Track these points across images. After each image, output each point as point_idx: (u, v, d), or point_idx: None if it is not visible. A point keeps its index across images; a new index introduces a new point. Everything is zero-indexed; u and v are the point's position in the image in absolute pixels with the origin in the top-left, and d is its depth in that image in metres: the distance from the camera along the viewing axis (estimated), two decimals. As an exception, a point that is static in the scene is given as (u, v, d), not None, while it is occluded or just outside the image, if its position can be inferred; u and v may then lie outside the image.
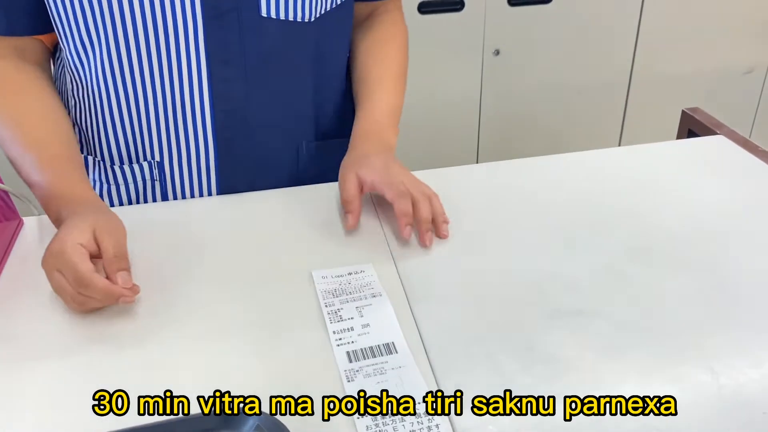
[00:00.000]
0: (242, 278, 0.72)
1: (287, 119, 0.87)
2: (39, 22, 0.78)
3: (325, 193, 0.87)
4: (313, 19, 0.81)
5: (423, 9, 1.88)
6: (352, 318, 0.67)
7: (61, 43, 0.79)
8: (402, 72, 0.93)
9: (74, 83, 0.83)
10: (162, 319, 0.67)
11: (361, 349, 0.64)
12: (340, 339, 0.65)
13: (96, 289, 0.63)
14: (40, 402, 0.58)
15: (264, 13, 0.77)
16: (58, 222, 0.72)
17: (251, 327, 0.66)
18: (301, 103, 0.87)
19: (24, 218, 0.82)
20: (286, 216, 0.83)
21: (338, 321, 0.66)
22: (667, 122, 2.16)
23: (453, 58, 1.96)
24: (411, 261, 0.74)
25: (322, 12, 0.82)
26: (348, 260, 0.74)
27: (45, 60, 0.84)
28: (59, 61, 0.86)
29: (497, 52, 1.97)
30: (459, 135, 2.09)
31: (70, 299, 0.65)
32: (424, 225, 0.76)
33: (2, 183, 0.77)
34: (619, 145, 2.19)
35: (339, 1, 0.84)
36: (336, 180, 0.85)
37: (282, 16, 0.78)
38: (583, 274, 0.72)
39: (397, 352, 0.63)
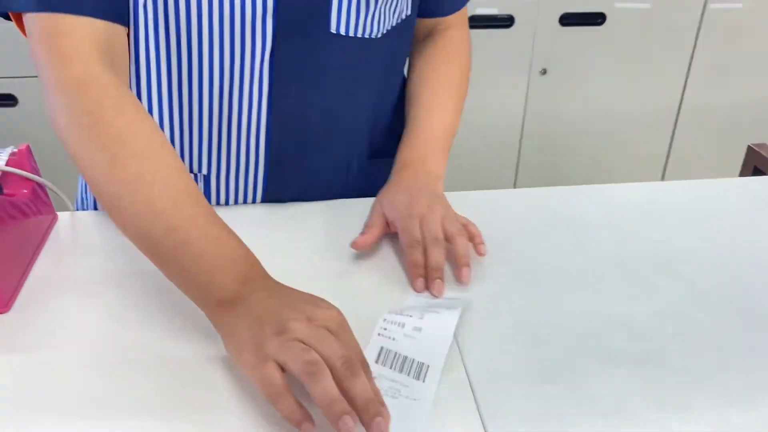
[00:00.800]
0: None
1: (341, 136, 0.84)
2: (124, 9, 0.69)
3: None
4: (379, 36, 0.78)
5: (471, 23, 1.83)
6: (411, 316, 0.64)
7: (130, 39, 0.73)
8: (457, 95, 0.88)
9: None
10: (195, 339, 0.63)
11: (395, 354, 0.60)
12: (385, 330, 0.61)
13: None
14: (68, 394, 0.55)
15: (333, 30, 0.75)
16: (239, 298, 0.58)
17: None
18: (357, 120, 0.84)
19: (58, 213, 0.80)
20: (329, 229, 0.79)
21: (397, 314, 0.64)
22: (717, 155, 2.10)
23: (498, 74, 1.92)
24: (456, 293, 0.70)
25: (389, 28, 0.79)
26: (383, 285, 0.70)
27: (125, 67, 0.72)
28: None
29: (544, 72, 1.92)
30: (498, 153, 2.04)
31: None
32: (433, 273, 0.70)
33: (40, 176, 0.75)
34: (663, 176, 2.13)
35: (404, 16, 0.81)
36: None
37: (351, 33, 0.76)
38: (645, 316, 0.67)
39: (423, 381, 0.58)
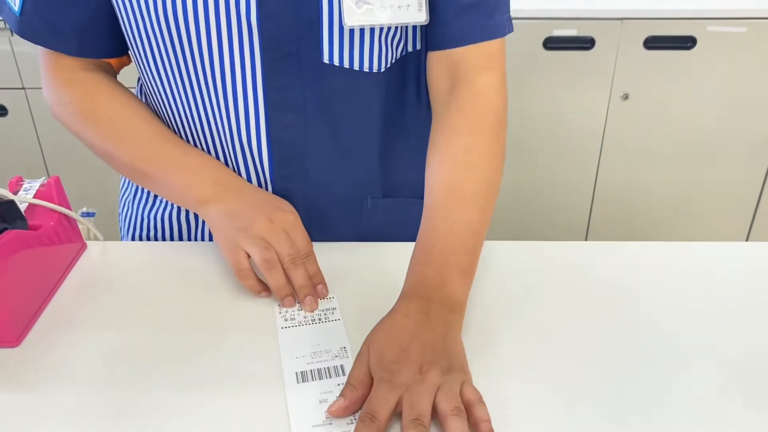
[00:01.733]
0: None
1: (351, 171, 0.80)
2: (108, 46, 0.79)
3: (386, 251, 0.79)
4: (382, 70, 0.75)
5: (549, 45, 1.77)
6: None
7: (137, 67, 0.79)
8: (481, 180, 0.70)
9: (151, 106, 0.82)
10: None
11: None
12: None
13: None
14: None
15: (326, 60, 0.72)
16: (206, 201, 0.74)
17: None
18: (366, 156, 0.80)
19: (88, 242, 0.81)
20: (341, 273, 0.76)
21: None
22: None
23: (577, 98, 1.84)
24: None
25: (391, 62, 0.75)
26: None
27: (113, 74, 0.84)
28: (139, 83, 0.85)
29: (626, 96, 1.83)
30: (575, 177, 1.96)
31: (276, 271, 0.69)
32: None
33: (69, 207, 0.76)
34: (753, 218, 1.97)
35: (409, 50, 0.76)
36: (402, 239, 0.78)
37: (345, 65, 0.72)
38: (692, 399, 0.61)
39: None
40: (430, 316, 0.61)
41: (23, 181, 0.75)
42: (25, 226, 0.70)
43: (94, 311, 0.71)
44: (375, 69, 0.74)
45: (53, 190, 0.74)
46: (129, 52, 0.79)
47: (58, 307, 0.71)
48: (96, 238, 0.81)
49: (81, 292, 0.73)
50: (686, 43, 1.74)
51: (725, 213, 1.99)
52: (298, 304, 0.71)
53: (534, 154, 1.93)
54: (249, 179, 0.79)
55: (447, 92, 0.74)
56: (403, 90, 0.79)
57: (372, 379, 0.57)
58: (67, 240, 0.76)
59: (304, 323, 0.68)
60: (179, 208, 0.85)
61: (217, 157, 0.79)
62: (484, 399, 0.57)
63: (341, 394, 0.57)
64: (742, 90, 1.80)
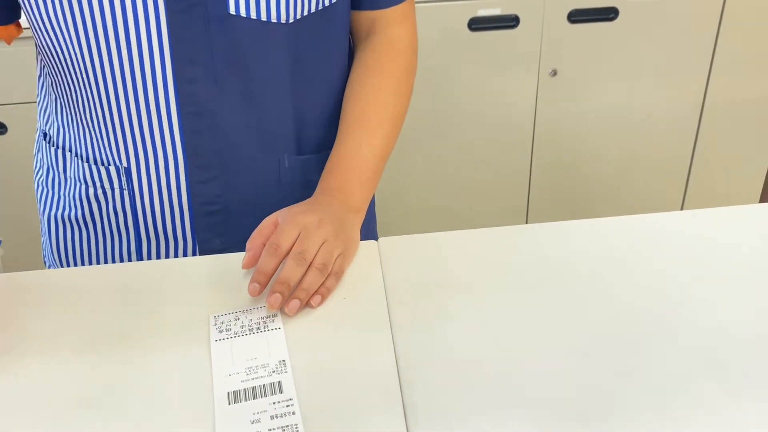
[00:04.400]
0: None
1: (263, 128, 0.78)
2: None
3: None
4: (290, 21, 0.72)
5: (474, 26, 1.74)
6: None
7: (33, 32, 0.74)
8: (391, 111, 0.81)
9: (50, 77, 0.78)
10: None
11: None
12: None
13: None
14: None
15: (232, 11, 0.70)
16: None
17: None
18: (279, 112, 0.78)
19: (-16, 275, 0.72)
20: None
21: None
22: (744, 156, 1.96)
23: (506, 78, 1.81)
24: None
25: (303, 14, 0.73)
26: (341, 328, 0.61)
27: None
28: (40, 59, 0.81)
29: (554, 73, 1.81)
30: (509, 159, 1.94)
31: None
32: (277, 285, 0.65)
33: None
34: (688, 179, 2.00)
35: (323, 5, 0.74)
36: None
37: (253, 15, 0.71)
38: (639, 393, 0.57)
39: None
40: (331, 207, 0.73)
41: None
42: None
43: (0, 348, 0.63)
44: (284, 20, 0.73)
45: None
46: (24, 21, 0.75)
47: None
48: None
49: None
50: (609, 14, 1.74)
51: (660, 183, 2.00)
52: (235, 314, 0.65)
53: (466, 138, 1.90)
54: (161, 137, 0.76)
55: (364, 38, 0.83)
56: (317, 43, 0.77)
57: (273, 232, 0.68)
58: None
59: (240, 333, 0.62)
60: (89, 187, 0.80)
61: (128, 119, 0.75)
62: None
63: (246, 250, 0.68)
64: (666, 58, 1.81)
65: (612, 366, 0.59)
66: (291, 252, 0.67)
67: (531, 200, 2.01)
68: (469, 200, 2.00)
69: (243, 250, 0.71)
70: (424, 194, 1.98)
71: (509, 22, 1.74)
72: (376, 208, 0.97)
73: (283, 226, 0.68)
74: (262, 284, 0.65)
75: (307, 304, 0.65)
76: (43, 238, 0.89)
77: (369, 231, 0.90)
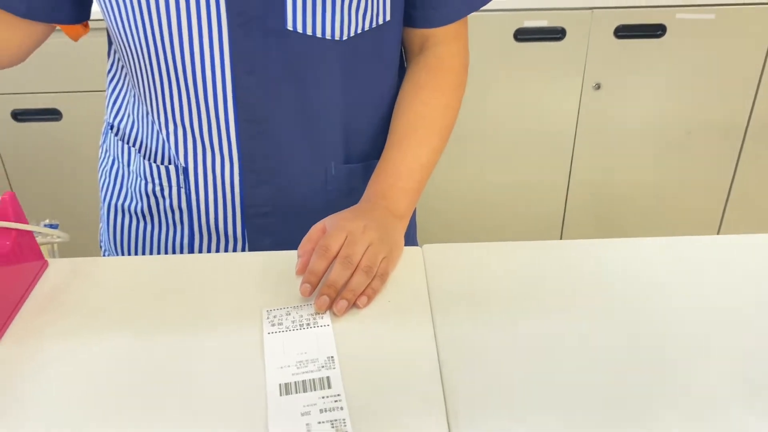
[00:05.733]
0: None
1: (314, 137, 0.82)
2: (63, 9, 0.77)
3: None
4: (344, 38, 0.75)
5: (520, 37, 1.75)
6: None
7: (109, 30, 0.79)
8: (438, 125, 0.83)
9: (128, 74, 0.82)
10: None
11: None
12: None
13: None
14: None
15: (290, 27, 0.74)
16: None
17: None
18: (329, 123, 0.82)
19: (49, 260, 0.76)
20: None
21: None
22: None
23: (549, 89, 1.82)
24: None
25: (356, 32, 0.76)
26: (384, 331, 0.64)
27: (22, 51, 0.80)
28: (117, 56, 0.85)
29: (598, 87, 1.81)
30: (548, 170, 1.95)
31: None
32: (325, 288, 0.68)
33: (26, 222, 0.71)
34: (728, 197, 1.98)
35: (376, 23, 0.77)
36: None
37: (308, 32, 0.74)
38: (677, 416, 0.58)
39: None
40: (375, 213, 0.76)
41: (-26, 199, 0.70)
42: (-21, 247, 0.66)
43: (57, 333, 0.67)
44: (337, 37, 0.76)
45: (8, 208, 0.70)
46: (106, 25, 0.79)
47: (17, 331, 0.67)
48: (55, 255, 0.76)
49: (42, 314, 0.69)
50: (656, 31, 1.74)
51: (697, 201, 1.99)
52: (287, 309, 0.68)
53: (506, 147, 1.91)
54: (219, 141, 0.79)
55: (416, 55, 0.86)
56: (369, 59, 0.80)
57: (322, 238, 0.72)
58: (25, 259, 0.72)
59: (291, 328, 0.65)
60: (149, 183, 0.85)
61: (190, 122, 0.79)
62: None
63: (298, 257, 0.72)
64: (712, 77, 1.80)
65: (639, 382, 0.61)
66: (338, 256, 0.70)
67: (567, 213, 2.02)
68: (504, 210, 2.02)
69: (290, 249, 0.75)
70: (461, 202, 2.00)
71: (555, 34, 1.75)
72: (417, 217, 0.99)
73: (331, 232, 0.72)
74: (313, 284, 0.68)
75: (354, 305, 0.68)
76: (101, 224, 0.93)
77: (409, 238, 0.93)
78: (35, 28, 0.79)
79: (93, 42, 1.65)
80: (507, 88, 1.82)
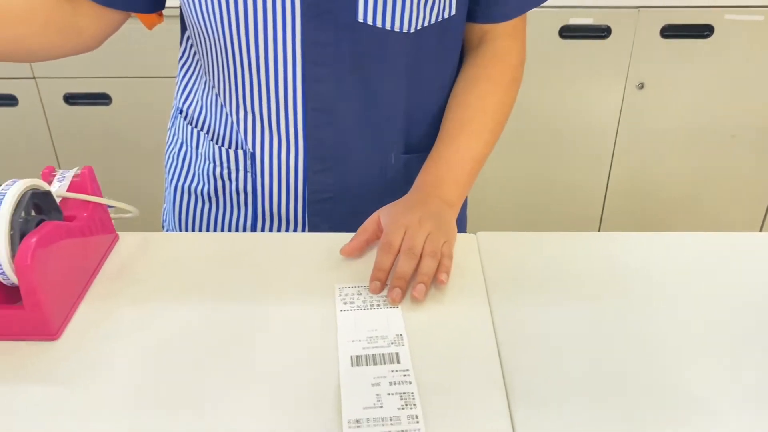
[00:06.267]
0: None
1: (376, 127, 0.84)
2: (135, 1, 0.82)
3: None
4: (411, 31, 0.78)
5: (565, 34, 1.76)
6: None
7: (186, 18, 0.82)
8: (491, 119, 0.85)
9: (201, 60, 0.85)
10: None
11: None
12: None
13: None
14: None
15: (360, 19, 0.76)
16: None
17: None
18: (392, 113, 0.84)
19: (120, 233, 0.80)
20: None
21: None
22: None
23: (592, 87, 1.83)
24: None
25: (423, 25, 0.78)
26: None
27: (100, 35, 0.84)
28: (190, 43, 0.89)
29: (641, 86, 1.81)
30: (588, 167, 1.95)
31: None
32: (395, 281, 0.70)
33: (101, 196, 0.75)
34: (770, 202, 1.97)
35: (442, 17, 0.79)
36: None
37: (378, 24, 0.77)
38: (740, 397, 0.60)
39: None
40: (428, 202, 0.78)
41: (56, 171, 0.74)
42: (61, 218, 0.69)
43: (130, 303, 0.70)
44: (405, 30, 0.78)
45: (87, 181, 0.73)
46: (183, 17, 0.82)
47: (93, 300, 0.70)
48: (135, 221, 0.80)
49: (116, 284, 0.73)
50: (703, 31, 1.73)
51: (740, 202, 1.98)
52: (357, 288, 0.71)
53: (548, 143, 1.92)
54: (286, 128, 0.82)
55: (474, 48, 0.87)
56: (434, 51, 0.82)
57: (377, 229, 0.76)
58: (100, 231, 0.75)
59: (362, 307, 0.68)
60: (216, 166, 0.88)
61: (259, 109, 0.82)
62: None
63: (353, 239, 0.75)
64: (759, 79, 1.79)
65: (694, 368, 0.62)
66: (401, 249, 0.72)
67: (605, 211, 2.02)
68: (541, 204, 2.02)
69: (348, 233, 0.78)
70: (502, 194, 2.01)
71: (601, 32, 1.75)
72: (467, 207, 1.01)
73: (390, 228, 0.74)
74: (382, 281, 0.71)
75: (436, 283, 0.71)
76: (165, 205, 0.97)
77: (460, 226, 0.95)
78: (113, 16, 0.82)
79: (144, 31, 1.69)
80: (550, 84, 1.82)
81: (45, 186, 0.68)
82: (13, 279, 0.62)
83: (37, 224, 0.65)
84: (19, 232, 0.62)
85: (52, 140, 1.99)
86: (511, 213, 2.04)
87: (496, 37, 0.86)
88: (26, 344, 0.64)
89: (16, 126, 1.96)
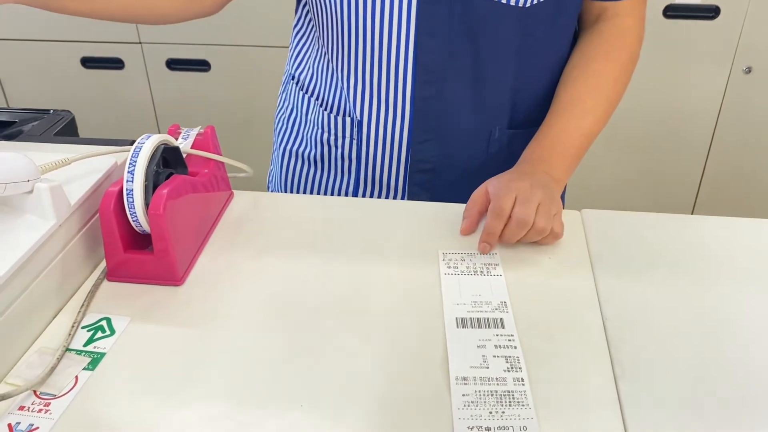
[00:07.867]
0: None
1: (482, 101, 0.85)
2: None
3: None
4: (526, 5, 0.78)
5: (669, 13, 1.70)
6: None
7: None
8: (606, 96, 0.84)
9: (317, 29, 0.87)
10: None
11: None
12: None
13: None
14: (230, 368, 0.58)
15: None
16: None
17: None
18: (499, 88, 0.84)
19: (235, 191, 0.84)
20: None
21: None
22: None
23: (695, 70, 1.77)
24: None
25: (539, 0, 0.78)
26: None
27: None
28: (305, 11, 0.91)
29: (749, 70, 1.74)
30: (684, 152, 1.89)
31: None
32: (494, 239, 0.73)
33: (221, 154, 0.79)
34: None
35: None
36: None
37: None
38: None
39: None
40: (535, 174, 0.78)
41: (181, 129, 0.78)
42: (186, 172, 0.74)
43: (246, 257, 0.73)
44: (521, 4, 0.78)
45: (209, 139, 0.77)
46: None
47: (213, 251, 0.74)
48: (249, 180, 0.84)
49: (233, 238, 0.76)
50: (821, 14, 1.65)
51: None
52: (461, 254, 0.73)
53: (644, 124, 1.87)
54: (394, 98, 0.84)
55: (591, 25, 0.87)
56: (547, 28, 0.82)
57: (485, 201, 0.76)
58: (219, 188, 0.79)
59: (466, 273, 0.70)
60: (324, 132, 0.90)
61: (370, 78, 0.84)
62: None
63: (464, 219, 0.77)
64: None
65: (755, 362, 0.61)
66: (513, 216, 0.72)
67: (699, 197, 1.96)
68: (635, 187, 1.98)
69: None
70: (595, 174, 1.98)
71: (708, 12, 1.69)
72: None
73: (501, 192, 0.74)
74: (492, 244, 0.73)
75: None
76: (272, 167, 1.01)
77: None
78: None
79: (246, 3, 1.73)
80: (651, 64, 1.77)
81: (174, 142, 0.72)
82: (145, 227, 0.67)
83: (167, 177, 0.69)
84: (152, 183, 0.67)
85: (153, 103, 2.07)
86: (600, 194, 2.00)
87: (615, 15, 0.85)
88: (153, 288, 0.69)
89: (123, 88, 2.06)
